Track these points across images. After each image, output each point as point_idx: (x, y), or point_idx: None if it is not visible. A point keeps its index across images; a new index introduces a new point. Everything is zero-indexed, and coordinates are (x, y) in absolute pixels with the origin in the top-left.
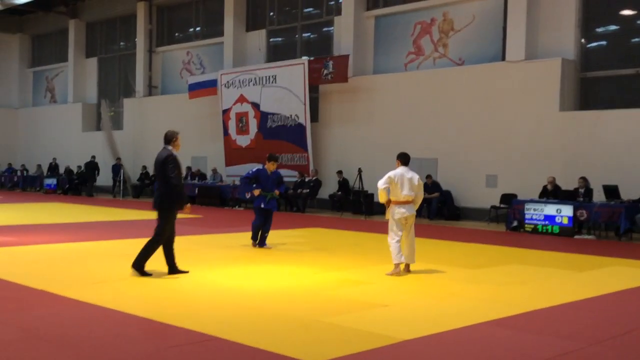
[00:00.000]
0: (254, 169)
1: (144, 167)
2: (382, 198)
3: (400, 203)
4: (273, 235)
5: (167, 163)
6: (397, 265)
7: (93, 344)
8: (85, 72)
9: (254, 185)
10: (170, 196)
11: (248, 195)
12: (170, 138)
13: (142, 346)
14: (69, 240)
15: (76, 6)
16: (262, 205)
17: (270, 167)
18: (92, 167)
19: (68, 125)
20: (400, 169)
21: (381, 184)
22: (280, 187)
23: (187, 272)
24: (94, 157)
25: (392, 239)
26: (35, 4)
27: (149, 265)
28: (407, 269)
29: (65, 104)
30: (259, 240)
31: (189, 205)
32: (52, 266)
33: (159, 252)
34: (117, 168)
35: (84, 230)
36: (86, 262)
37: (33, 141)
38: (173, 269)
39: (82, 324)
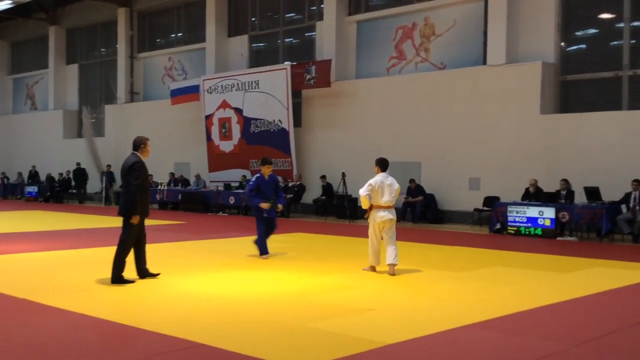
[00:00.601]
0: (254, 178)
1: None
2: (364, 204)
3: (382, 207)
4: None
5: (132, 170)
6: (372, 266)
7: (76, 352)
8: (66, 79)
9: (257, 196)
10: (127, 203)
11: (232, 201)
12: (138, 144)
13: (126, 354)
14: (51, 249)
15: (56, 13)
16: (265, 214)
17: (266, 171)
18: (80, 173)
19: (49, 133)
20: (380, 176)
21: (362, 191)
22: (281, 199)
23: (157, 274)
24: (79, 164)
25: (372, 242)
26: (15, 10)
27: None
28: (392, 271)
29: (46, 111)
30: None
31: (137, 217)
32: (33, 274)
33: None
34: (110, 175)
35: (66, 238)
36: (68, 270)
37: (14, 149)
38: (143, 273)
39: (65, 332)
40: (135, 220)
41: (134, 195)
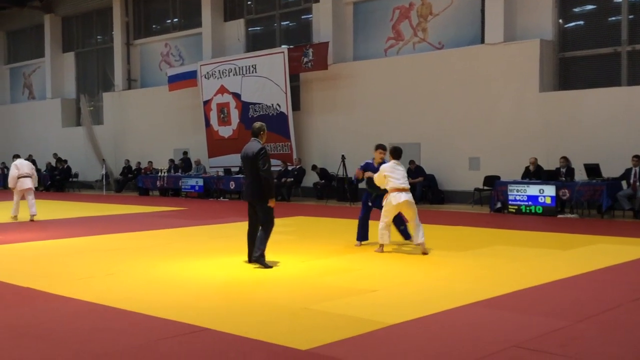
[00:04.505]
0: (363, 163)
1: (127, 161)
2: (382, 184)
3: (398, 190)
4: None
5: (259, 156)
6: (381, 245)
7: (81, 338)
8: (63, 67)
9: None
10: (264, 188)
11: (233, 186)
12: (258, 131)
13: (130, 339)
14: (53, 237)
15: (51, 1)
16: (370, 204)
17: (378, 157)
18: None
19: (48, 121)
20: (392, 162)
21: (377, 175)
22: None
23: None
24: (55, 154)
25: (382, 222)
26: None
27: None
28: (425, 249)
29: (44, 100)
30: (404, 234)
31: (273, 200)
32: (36, 263)
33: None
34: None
35: (67, 226)
36: (71, 258)
37: (13, 138)
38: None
39: (69, 319)
40: (272, 203)
41: (268, 180)
